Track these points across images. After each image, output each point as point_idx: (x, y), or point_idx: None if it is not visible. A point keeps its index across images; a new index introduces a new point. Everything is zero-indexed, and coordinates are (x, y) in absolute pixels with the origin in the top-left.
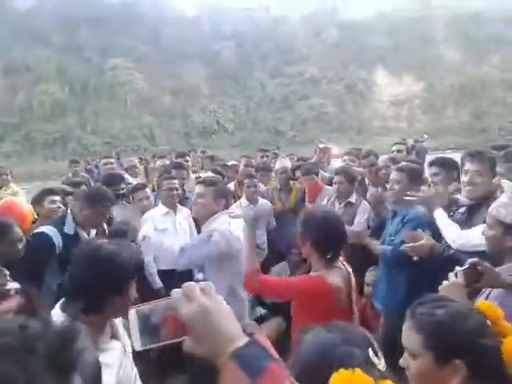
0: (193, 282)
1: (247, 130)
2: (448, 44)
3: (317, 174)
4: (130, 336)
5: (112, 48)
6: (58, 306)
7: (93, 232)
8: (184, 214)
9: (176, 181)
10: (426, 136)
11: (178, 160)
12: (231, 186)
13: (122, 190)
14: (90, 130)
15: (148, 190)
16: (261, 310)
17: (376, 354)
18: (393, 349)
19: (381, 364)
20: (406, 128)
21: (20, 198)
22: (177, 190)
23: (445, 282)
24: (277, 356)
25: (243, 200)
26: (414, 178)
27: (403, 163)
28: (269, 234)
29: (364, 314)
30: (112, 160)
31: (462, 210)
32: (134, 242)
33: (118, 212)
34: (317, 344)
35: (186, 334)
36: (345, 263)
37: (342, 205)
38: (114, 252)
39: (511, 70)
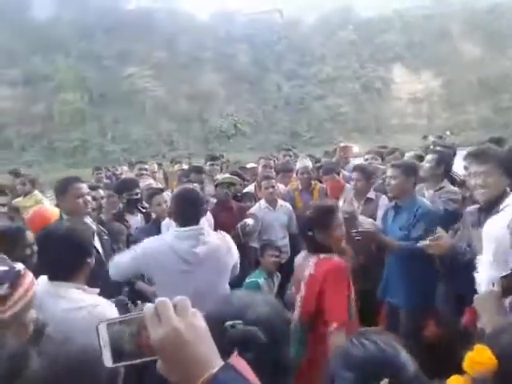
0: (166, 299)
1: (264, 132)
2: (466, 39)
3: (338, 174)
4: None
5: (129, 56)
6: (44, 277)
7: (92, 225)
8: (206, 218)
9: (196, 184)
10: (448, 133)
11: (208, 163)
12: (251, 187)
13: (136, 195)
14: (109, 137)
15: (165, 194)
16: None
17: None
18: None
19: None
20: (425, 125)
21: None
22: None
23: (482, 292)
24: (254, 379)
25: (262, 202)
26: (410, 173)
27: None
28: (291, 236)
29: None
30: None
31: (471, 209)
32: None
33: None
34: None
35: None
36: None
37: (362, 202)
38: (71, 228)
39: None
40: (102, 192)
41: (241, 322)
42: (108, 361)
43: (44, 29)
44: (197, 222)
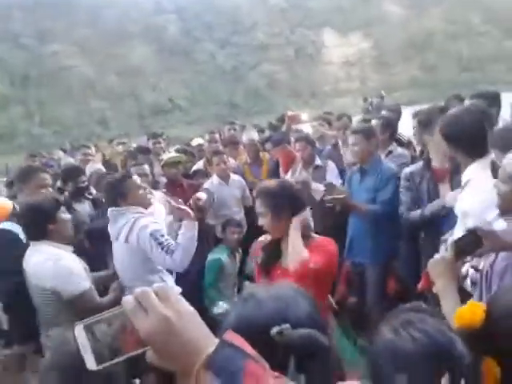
0: (146, 288)
1: (201, 105)
2: (392, 0)
3: (288, 143)
4: (81, 354)
5: (50, 33)
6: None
7: None
8: (158, 198)
9: (146, 166)
10: (383, 93)
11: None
12: (200, 164)
13: (83, 182)
14: (37, 121)
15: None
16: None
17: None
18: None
19: None
20: (358, 87)
21: None
22: (147, 176)
23: (435, 256)
24: (253, 351)
25: (214, 177)
26: (370, 136)
27: (357, 125)
28: (246, 209)
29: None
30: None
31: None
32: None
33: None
34: (382, 351)
35: (147, 345)
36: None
37: (311, 170)
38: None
39: (454, 22)
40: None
41: (288, 325)
42: (91, 364)
43: None
44: None
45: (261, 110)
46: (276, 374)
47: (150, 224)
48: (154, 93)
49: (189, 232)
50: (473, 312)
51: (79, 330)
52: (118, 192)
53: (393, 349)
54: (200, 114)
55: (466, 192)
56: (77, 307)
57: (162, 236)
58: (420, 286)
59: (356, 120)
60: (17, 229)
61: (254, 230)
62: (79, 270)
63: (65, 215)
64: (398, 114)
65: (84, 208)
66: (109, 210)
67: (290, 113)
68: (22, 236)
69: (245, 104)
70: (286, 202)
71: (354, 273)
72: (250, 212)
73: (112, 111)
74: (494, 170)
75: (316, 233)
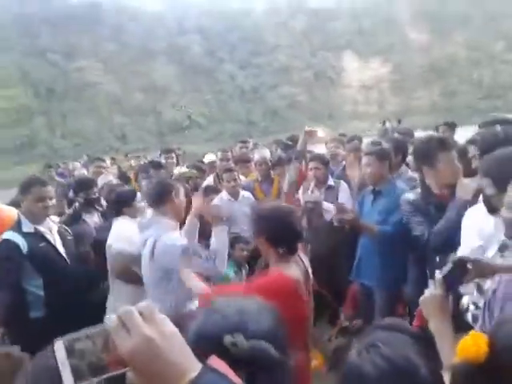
0: (130, 307)
1: (219, 123)
2: (413, 25)
3: (301, 162)
4: (59, 371)
5: (76, 49)
6: None
7: (53, 227)
8: None
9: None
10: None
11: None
12: (210, 180)
13: (95, 194)
14: (58, 133)
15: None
16: None
17: None
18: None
19: None
20: (376, 111)
21: None
22: None
23: (426, 293)
24: (237, 379)
25: (224, 194)
26: (383, 158)
27: (371, 147)
28: None
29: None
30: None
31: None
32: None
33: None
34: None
35: (128, 366)
36: (302, 256)
37: (323, 190)
38: None
39: (476, 48)
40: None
41: (241, 335)
42: (69, 381)
43: None
44: None
45: (278, 130)
46: None
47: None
48: (174, 110)
49: (220, 237)
50: (476, 344)
51: (59, 346)
52: (164, 192)
53: (356, 372)
54: (218, 131)
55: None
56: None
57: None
58: (414, 325)
59: (365, 143)
60: (18, 239)
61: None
62: None
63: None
64: (410, 137)
65: (93, 219)
66: (141, 220)
67: (307, 128)
68: (22, 245)
69: (262, 122)
70: (262, 226)
71: (362, 294)
72: None
73: (132, 126)
74: (486, 200)
75: (327, 251)
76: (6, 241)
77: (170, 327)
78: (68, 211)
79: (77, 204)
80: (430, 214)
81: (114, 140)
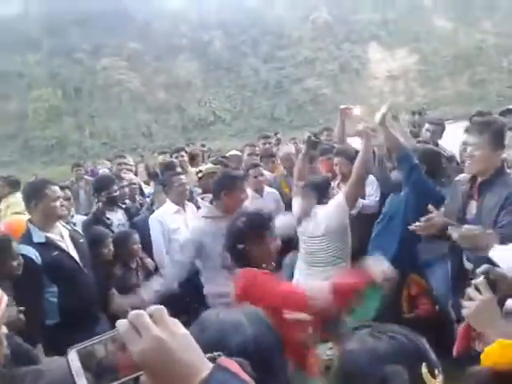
0: (140, 310)
1: (244, 118)
2: (439, 14)
3: (329, 157)
4: (74, 380)
5: (102, 48)
6: None
7: (64, 231)
8: (192, 211)
9: (183, 176)
10: (425, 107)
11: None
12: None
13: (116, 192)
14: (87, 132)
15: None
16: None
17: (432, 371)
18: None
19: (438, 381)
20: (404, 102)
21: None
22: (185, 186)
23: (467, 304)
24: (247, 377)
25: (249, 190)
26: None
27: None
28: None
29: None
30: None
31: (462, 179)
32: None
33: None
34: (361, 356)
35: (141, 370)
36: None
37: None
38: None
39: (505, 35)
40: (69, 193)
41: (220, 354)
42: None
43: (12, 24)
44: None
45: (303, 125)
46: None
47: None
48: (199, 106)
49: None
50: (501, 354)
51: (73, 355)
52: (224, 186)
53: (374, 351)
54: (242, 126)
55: None
56: None
57: None
58: (456, 349)
59: None
60: (30, 251)
61: (285, 244)
62: None
63: None
64: (442, 127)
65: (117, 217)
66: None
67: (342, 106)
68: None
69: (286, 118)
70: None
71: None
72: None
73: (157, 124)
74: None
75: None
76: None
77: (181, 329)
78: (92, 210)
79: (100, 203)
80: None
81: (140, 138)
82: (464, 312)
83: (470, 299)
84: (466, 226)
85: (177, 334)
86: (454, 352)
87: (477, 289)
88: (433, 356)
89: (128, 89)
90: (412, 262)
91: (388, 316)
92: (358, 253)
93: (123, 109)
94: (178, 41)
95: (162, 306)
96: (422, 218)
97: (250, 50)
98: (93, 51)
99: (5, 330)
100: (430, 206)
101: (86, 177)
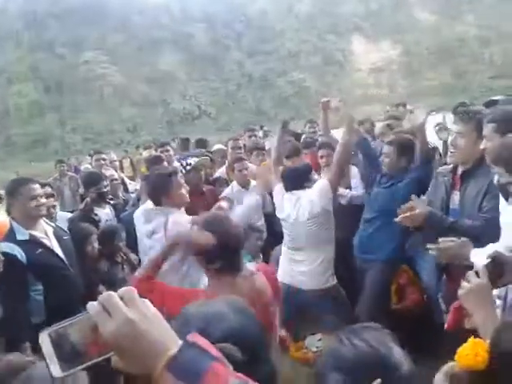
0: (111, 292)
1: (229, 112)
2: (422, 6)
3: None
4: (46, 363)
5: (82, 42)
6: None
7: (48, 228)
8: None
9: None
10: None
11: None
12: (223, 171)
13: (105, 187)
14: (69, 128)
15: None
16: None
17: None
18: None
19: None
20: (387, 94)
21: None
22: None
23: (464, 285)
24: (218, 353)
25: (234, 184)
26: (404, 150)
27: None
28: (266, 215)
29: None
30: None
31: (443, 169)
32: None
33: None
34: (324, 357)
35: (113, 350)
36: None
37: None
38: None
39: (486, 27)
40: (50, 190)
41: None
42: (56, 371)
43: None
44: None
45: (287, 118)
46: (239, 374)
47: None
48: (183, 100)
49: None
50: (475, 354)
51: (44, 337)
52: (164, 188)
53: (335, 352)
54: (227, 120)
55: None
56: None
57: None
58: (448, 324)
59: (378, 126)
60: (15, 249)
61: (274, 237)
62: None
63: None
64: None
65: (105, 213)
66: (144, 209)
67: (322, 99)
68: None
69: (272, 111)
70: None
71: (360, 271)
72: (269, 218)
73: (142, 118)
74: (502, 189)
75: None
76: (4, 255)
77: (151, 309)
78: (80, 206)
79: (88, 199)
80: (438, 191)
81: (124, 132)
82: (459, 291)
83: (469, 282)
84: (440, 239)
85: (147, 314)
86: (445, 326)
87: (476, 273)
88: (400, 368)
89: (111, 83)
90: (402, 253)
91: (378, 307)
92: (345, 240)
93: (106, 103)
94: (161, 34)
95: (133, 288)
96: (403, 206)
97: (234, 43)
98: (73, 45)
99: None
100: (413, 196)
101: (69, 173)
